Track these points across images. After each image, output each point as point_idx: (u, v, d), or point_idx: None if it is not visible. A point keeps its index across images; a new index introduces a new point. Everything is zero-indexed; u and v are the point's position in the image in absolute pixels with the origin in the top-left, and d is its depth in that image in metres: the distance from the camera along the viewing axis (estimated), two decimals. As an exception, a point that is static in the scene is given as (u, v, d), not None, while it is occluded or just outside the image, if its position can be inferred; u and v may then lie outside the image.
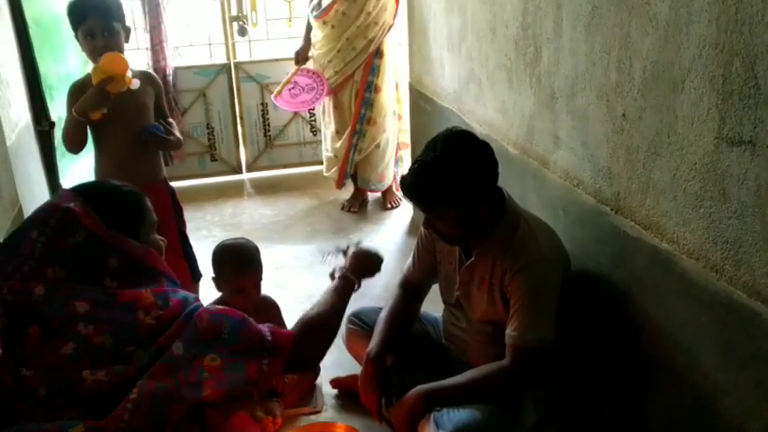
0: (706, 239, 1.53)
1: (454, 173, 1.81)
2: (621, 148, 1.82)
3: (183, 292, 1.57)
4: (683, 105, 1.55)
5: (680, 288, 1.63)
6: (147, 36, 4.43)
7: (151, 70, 4.28)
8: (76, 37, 2.44)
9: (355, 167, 4.23)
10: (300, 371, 1.65)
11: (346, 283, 1.94)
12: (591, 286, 2.01)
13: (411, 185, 1.87)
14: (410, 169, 1.89)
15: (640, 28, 1.67)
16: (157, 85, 2.66)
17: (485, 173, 1.88)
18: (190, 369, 1.42)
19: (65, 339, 1.40)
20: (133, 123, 2.55)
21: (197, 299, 1.61)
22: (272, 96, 4.28)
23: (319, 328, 1.72)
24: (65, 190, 1.65)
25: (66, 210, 1.51)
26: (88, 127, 2.52)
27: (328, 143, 4.27)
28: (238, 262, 2.34)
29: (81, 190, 1.62)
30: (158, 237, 1.71)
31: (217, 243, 2.47)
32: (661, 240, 1.69)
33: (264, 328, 1.58)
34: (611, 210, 1.90)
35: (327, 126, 4.26)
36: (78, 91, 2.49)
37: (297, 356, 1.59)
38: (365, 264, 2.06)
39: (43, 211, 1.55)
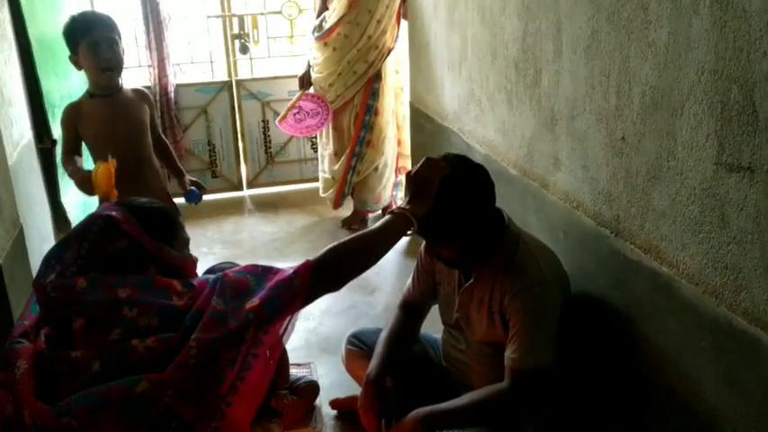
0: (705, 264, 1.53)
1: (453, 200, 1.81)
2: (621, 171, 1.83)
3: (200, 277, 1.67)
4: (682, 130, 1.56)
5: (680, 313, 1.63)
6: (149, 53, 4.45)
7: (149, 87, 4.32)
8: (74, 53, 2.45)
9: (353, 189, 4.25)
10: (326, 289, 1.66)
11: (394, 219, 1.73)
12: (591, 309, 2.01)
13: None
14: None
15: (639, 53, 1.68)
16: (151, 102, 2.70)
17: (483, 197, 1.88)
18: (236, 318, 1.49)
19: (111, 327, 1.46)
20: (133, 141, 2.58)
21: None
22: (276, 122, 4.29)
23: (347, 250, 1.67)
24: (105, 204, 1.73)
25: (107, 217, 1.58)
26: (88, 147, 2.54)
27: (326, 165, 4.28)
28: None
29: (134, 201, 1.70)
30: (190, 253, 1.78)
31: (217, 260, 2.47)
32: (661, 264, 1.69)
33: (286, 269, 1.63)
34: (611, 232, 1.91)
35: (325, 148, 4.27)
36: (72, 113, 2.53)
37: (320, 273, 1.60)
38: (421, 191, 1.78)
39: (85, 222, 1.62)
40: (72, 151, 2.59)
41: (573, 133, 2.06)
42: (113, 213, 1.59)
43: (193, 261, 1.75)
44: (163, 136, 2.81)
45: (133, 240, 1.57)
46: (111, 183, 2.35)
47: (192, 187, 2.78)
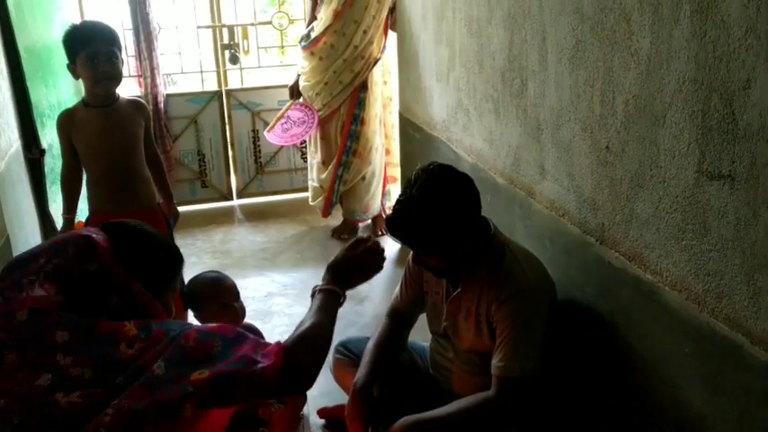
0: (688, 272, 1.55)
1: (438, 211, 1.82)
2: (605, 179, 1.85)
3: (169, 321, 1.50)
4: (664, 139, 1.58)
5: (663, 319, 1.64)
6: (139, 63, 4.46)
7: (142, 97, 4.32)
8: (72, 63, 2.44)
9: (341, 198, 4.26)
10: (293, 390, 1.54)
11: (327, 297, 1.71)
12: (577, 316, 2.02)
13: (396, 226, 1.88)
14: (394, 210, 1.90)
15: (623, 62, 1.70)
16: (146, 113, 2.68)
17: (468, 207, 1.89)
18: (172, 388, 1.33)
19: (41, 370, 1.35)
20: (125, 153, 2.57)
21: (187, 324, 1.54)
22: (265, 132, 4.31)
23: (310, 340, 1.54)
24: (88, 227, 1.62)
25: (87, 237, 1.49)
26: (80, 158, 2.54)
27: (314, 173, 4.29)
28: (212, 279, 2.36)
29: (136, 229, 1.59)
30: (173, 304, 1.65)
31: (206, 269, 2.48)
32: (645, 272, 1.71)
33: (259, 348, 1.46)
34: (596, 240, 1.92)
35: (314, 156, 4.29)
36: (66, 120, 2.52)
37: (290, 371, 1.44)
38: (349, 269, 1.80)
39: (63, 239, 1.52)
40: (71, 162, 2.59)
41: (558, 142, 2.08)
42: (94, 235, 1.50)
43: (168, 311, 1.59)
44: (157, 152, 2.79)
45: (103, 266, 1.46)
46: None
47: (172, 219, 2.83)
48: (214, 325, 1.49)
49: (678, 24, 1.48)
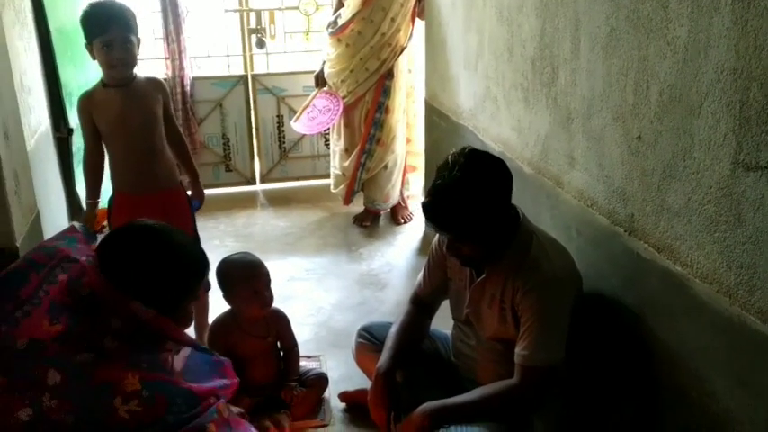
0: (720, 264, 1.53)
1: (478, 194, 1.80)
2: (636, 170, 1.83)
3: (175, 389, 1.41)
4: (699, 129, 1.55)
5: (692, 312, 1.62)
6: (167, 46, 4.48)
7: (166, 79, 4.34)
8: (89, 43, 2.46)
9: (362, 186, 4.26)
10: None
11: None
12: (603, 307, 2.00)
13: (434, 210, 1.83)
14: (431, 194, 1.85)
15: (658, 51, 1.68)
16: (165, 91, 2.67)
17: (505, 191, 1.88)
18: None
19: (25, 403, 1.32)
20: (145, 132, 2.58)
21: (202, 401, 1.42)
22: (292, 122, 4.32)
23: None
24: (80, 234, 1.57)
25: (75, 261, 1.45)
26: (103, 139, 2.56)
27: (336, 161, 4.29)
28: (246, 265, 2.36)
29: (144, 241, 1.54)
30: (191, 310, 1.63)
31: (229, 252, 2.49)
32: (674, 263, 1.69)
33: None
34: (625, 231, 1.90)
35: (336, 143, 4.28)
36: (86, 102, 2.53)
37: None
38: None
39: (49, 256, 1.47)
40: (93, 147, 2.60)
41: (589, 131, 2.06)
42: (82, 258, 1.46)
43: (187, 319, 1.58)
44: (179, 130, 2.78)
45: (94, 293, 1.42)
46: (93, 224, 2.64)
47: (196, 201, 2.80)
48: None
49: (718, 12, 1.45)
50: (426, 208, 1.85)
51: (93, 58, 2.49)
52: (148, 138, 2.58)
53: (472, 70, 3.07)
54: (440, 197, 1.82)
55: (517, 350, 1.89)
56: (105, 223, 2.79)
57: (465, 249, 1.91)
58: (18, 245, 2.18)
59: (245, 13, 4.73)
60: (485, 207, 1.82)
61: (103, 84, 2.54)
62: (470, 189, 1.79)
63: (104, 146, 2.59)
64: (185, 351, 1.48)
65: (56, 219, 3.21)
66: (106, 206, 2.66)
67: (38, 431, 1.30)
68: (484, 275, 1.98)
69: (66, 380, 1.34)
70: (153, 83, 2.63)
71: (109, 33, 2.40)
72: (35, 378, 1.33)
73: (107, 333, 1.40)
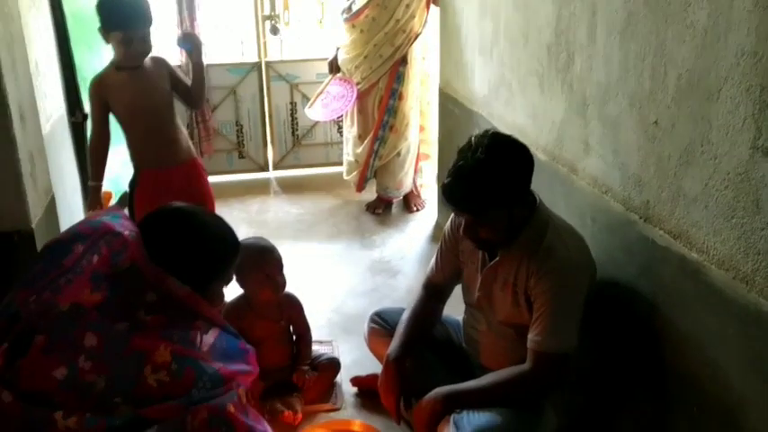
0: (737, 250, 1.51)
1: (500, 177, 1.80)
2: (653, 156, 1.81)
3: (203, 366, 1.43)
4: (717, 114, 1.54)
5: (708, 299, 1.61)
6: (181, 32, 4.47)
7: (180, 66, 4.34)
8: (106, 30, 2.47)
9: (375, 173, 4.25)
10: None
11: None
12: (617, 294, 1.99)
13: (456, 190, 1.82)
14: (452, 174, 1.83)
15: (677, 35, 1.66)
16: (168, 65, 2.74)
17: (527, 175, 1.88)
18: None
19: (62, 363, 1.35)
20: (162, 110, 2.66)
21: (225, 382, 1.45)
22: (306, 108, 4.31)
23: None
24: (123, 212, 1.61)
25: (118, 235, 1.48)
26: (118, 118, 2.61)
27: (350, 147, 4.28)
28: (259, 250, 2.36)
29: (179, 222, 1.59)
30: (223, 292, 1.67)
31: (241, 237, 2.49)
32: (690, 250, 1.67)
33: None
34: (640, 218, 1.89)
35: (349, 130, 4.28)
36: (100, 85, 2.57)
37: None
38: None
39: (93, 229, 1.50)
40: (101, 130, 2.66)
41: (604, 118, 2.05)
42: (125, 232, 1.49)
43: (217, 300, 1.62)
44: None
45: (135, 264, 1.45)
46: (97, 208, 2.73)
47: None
48: (236, 417, 1.43)
49: (739, -5, 1.43)
50: (448, 188, 1.83)
51: (107, 42, 2.51)
52: (165, 114, 2.67)
53: (487, 56, 3.05)
54: (462, 177, 1.81)
55: (530, 336, 1.89)
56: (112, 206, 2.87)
57: (483, 232, 1.90)
58: (33, 227, 2.20)
59: (258, 0, 4.72)
60: (506, 189, 1.82)
61: (117, 66, 2.57)
62: (494, 170, 1.79)
63: (122, 127, 2.64)
64: (214, 332, 1.50)
65: (70, 203, 3.23)
66: (110, 189, 2.72)
67: (69, 391, 1.34)
68: (497, 259, 1.97)
69: (102, 344, 1.38)
70: (157, 61, 2.69)
71: (130, 30, 2.46)
72: (73, 339, 1.37)
73: (142, 306, 1.43)
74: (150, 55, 2.68)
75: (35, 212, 2.25)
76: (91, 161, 2.72)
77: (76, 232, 1.52)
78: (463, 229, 1.92)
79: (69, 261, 1.45)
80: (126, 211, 1.81)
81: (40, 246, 2.21)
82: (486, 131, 1.87)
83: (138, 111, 2.59)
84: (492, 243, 1.95)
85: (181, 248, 1.53)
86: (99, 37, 2.51)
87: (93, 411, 1.33)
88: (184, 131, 2.78)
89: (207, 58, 4.57)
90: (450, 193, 1.84)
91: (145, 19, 2.48)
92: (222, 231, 1.64)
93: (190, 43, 2.76)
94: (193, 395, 1.38)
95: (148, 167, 2.68)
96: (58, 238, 1.53)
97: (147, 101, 2.60)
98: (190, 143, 2.81)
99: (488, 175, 1.79)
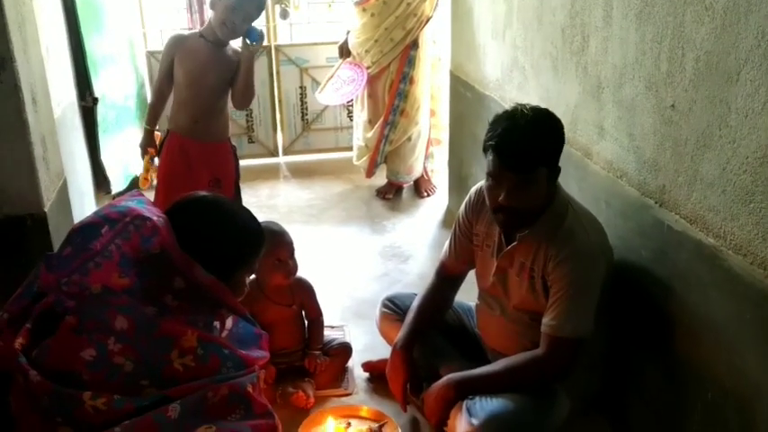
0: (755, 235, 1.49)
1: (550, 131, 1.83)
2: (669, 140, 1.79)
3: (227, 352, 1.48)
4: (737, 97, 1.51)
5: (724, 284, 1.59)
6: (190, 16, 4.47)
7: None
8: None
9: (385, 158, 4.23)
10: None
11: None
12: (632, 279, 1.98)
13: (514, 144, 1.78)
14: (506, 131, 1.79)
15: (695, 17, 1.63)
16: (238, 61, 2.81)
17: (563, 137, 1.89)
18: None
19: (91, 344, 1.38)
20: (215, 90, 2.80)
21: (247, 365, 1.50)
22: (316, 93, 4.29)
23: None
24: (144, 197, 1.63)
25: (147, 220, 1.50)
26: (174, 80, 2.78)
27: (360, 132, 4.26)
28: (270, 234, 2.35)
29: (206, 210, 1.61)
30: (247, 283, 1.69)
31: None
32: (707, 235, 1.66)
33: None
34: (656, 203, 1.87)
35: (360, 115, 4.25)
36: (177, 41, 2.78)
37: None
38: None
39: (121, 214, 1.51)
40: (162, 86, 2.85)
41: (620, 101, 2.02)
42: (155, 218, 1.50)
43: (240, 290, 1.62)
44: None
45: (165, 250, 1.47)
46: (145, 174, 3.01)
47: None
48: (253, 395, 1.46)
49: (760, -25, 1.41)
50: (504, 143, 1.78)
51: (211, 8, 2.71)
52: (215, 95, 2.81)
53: (500, 39, 3.02)
54: (518, 130, 1.79)
55: (545, 320, 1.88)
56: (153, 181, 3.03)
57: (524, 197, 1.82)
58: (46, 210, 2.20)
59: (268, -17, 4.69)
60: (554, 145, 1.84)
61: (201, 34, 2.76)
62: (543, 126, 1.82)
63: (174, 86, 2.80)
64: (233, 318, 1.54)
65: (81, 187, 3.23)
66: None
67: (97, 371, 1.37)
68: (515, 243, 1.95)
69: (133, 327, 1.40)
70: (236, 52, 2.81)
71: (242, 9, 2.64)
72: (104, 321, 1.40)
73: (170, 291, 1.46)
74: (232, 43, 2.82)
75: (48, 196, 2.25)
76: (149, 107, 2.95)
77: (105, 216, 1.53)
78: (504, 196, 1.81)
79: (98, 245, 1.47)
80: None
81: (52, 229, 2.22)
82: (520, 104, 1.88)
83: (192, 80, 2.73)
84: (525, 215, 1.87)
85: (210, 236, 1.54)
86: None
87: (119, 392, 1.36)
88: (226, 117, 2.91)
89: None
90: (507, 146, 1.78)
91: (258, 11, 2.71)
92: (250, 222, 1.65)
93: (257, 36, 2.77)
94: (216, 379, 1.43)
95: (176, 131, 2.84)
96: (85, 222, 1.54)
97: (203, 77, 2.73)
98: (227, 130, 2.95)
99: (540, 130, 1.81)
